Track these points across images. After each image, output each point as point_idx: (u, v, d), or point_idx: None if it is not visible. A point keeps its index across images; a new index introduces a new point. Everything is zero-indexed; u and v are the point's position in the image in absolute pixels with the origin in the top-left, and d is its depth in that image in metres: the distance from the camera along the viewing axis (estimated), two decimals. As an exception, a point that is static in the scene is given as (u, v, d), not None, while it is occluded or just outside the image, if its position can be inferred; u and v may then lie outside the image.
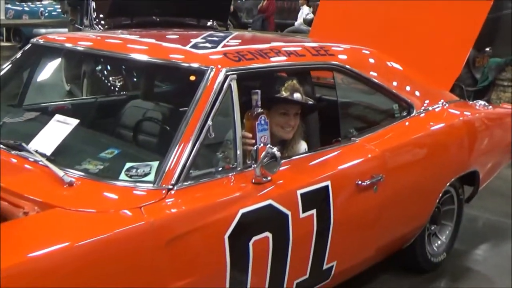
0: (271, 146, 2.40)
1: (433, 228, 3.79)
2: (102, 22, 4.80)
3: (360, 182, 2.84)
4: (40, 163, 2.29)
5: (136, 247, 2.01)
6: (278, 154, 2.36)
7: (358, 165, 2.95)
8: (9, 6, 11.99)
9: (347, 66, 3.20)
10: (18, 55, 3.35)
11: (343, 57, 3.27)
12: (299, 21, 13.79)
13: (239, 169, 2.45)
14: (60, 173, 2.18)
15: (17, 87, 3.33)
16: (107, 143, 2.63)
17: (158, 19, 4.26)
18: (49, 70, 3.47)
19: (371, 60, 3.45)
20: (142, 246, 2.02)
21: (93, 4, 5.05)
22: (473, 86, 6.92)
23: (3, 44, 7.95)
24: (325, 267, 2.80)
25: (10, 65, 3.32)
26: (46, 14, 13.82)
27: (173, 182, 2.20)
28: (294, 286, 2.68)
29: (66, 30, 10.48)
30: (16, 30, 12.02)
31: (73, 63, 3.69)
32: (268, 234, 2.43)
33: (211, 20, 4.78)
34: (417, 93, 3.58)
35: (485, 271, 3.97)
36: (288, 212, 2.50)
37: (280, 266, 2.54)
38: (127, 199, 2.16)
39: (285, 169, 2.50)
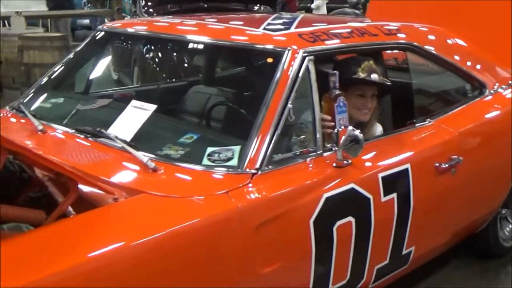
0: (353, 128, 2.36)
1: (504, 212, 3.74)
2: (151, 10, 4.84)
3: (438, 165, 2.82)
4: (122, 149, 2.30)
5: (225, 232, 2.01)
6: (361, 136, 2.34)
7: (436, 147, 2.92)
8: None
9: (421, 46, 3.18)
10: (87, 42, 3.40)
11: (415, 36, 3.23)
12: (316, 3, 13.39)
13: (319, 152, 2.43)
14: (144, 159, 2.20)
15: (84, 74, 3.38)
16: (185, 128, 2.63)
17: (205, 5, 4.23)
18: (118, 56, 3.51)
19: (443, 39, 3.41)
20: (231, 231, 2.02)
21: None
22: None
23: (54, 34, 8.03)
24: (404, 252, 2.80)
25: (80, 52, 3.37)
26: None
27: (257, 166, 2.19)
28: (375, 272, 2.67)
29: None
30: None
31: (139, 49, 3.72)
32: (351, 218, 2.42)
33: (258, 5, 4.73)
34: (487, 72, 3.52)
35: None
36: (370, 196, 2.49)
37: (362, 251, 2.54)
38: (212, 184, 2.16)
39: (364, 152, 2.46)
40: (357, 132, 2.34)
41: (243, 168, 2.19)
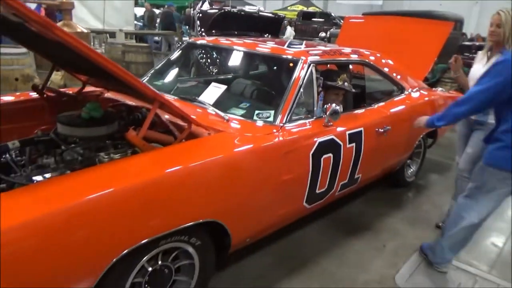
0: (336, 105, 2.47)
1: (408, 161, 3.84)
2: (204, 34, 4.80)
3: (377, 130, 2.91)
4: (209, 109, 2.40)
5: (270, 154, 2.13)
6: (340, 110, 2.46)
7: (377, 120, 2.97)
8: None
9: (371, 63, 3.22)
10: (180, 47, 3.40)
11: (369, 57, 3.25)
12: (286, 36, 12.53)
13: (315, 118, 2.52)
14: (222, 113, 2.32)
15: (177, 67, 3.37)
16: (241, 99, 2.67)
17: (236, 32, 4.20)
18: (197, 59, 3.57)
19: (383, 60, 3.43)
20: (272, 154, 2.15)
21: (198, 22, 4.99)
22: (426, 81, 6.89)
23: (142, 44, 8.05)
24: (356, 176, 2.88)
25: (173, 56, 3.36)
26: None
27: (283, 122, 2.32)
28: (340, 186, 2.76)
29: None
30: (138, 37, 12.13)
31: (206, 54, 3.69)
32: (330, 154, 2.52)
33: (267, 34, 4.72)
34: (405, 81, 3.53)
35: (430, 187, 4.06)
36: (341, 143, 2.58)
37: (335, 174, 2.62)
38: (261, 129, 2.25)
39: (339, 121, 2.55)
40: (338, 107, 2.46)
41: (276, 122, 2.31)
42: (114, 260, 1.59)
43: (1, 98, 2.58)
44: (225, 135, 2.12)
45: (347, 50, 3.16)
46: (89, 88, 2.80)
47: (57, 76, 6.12)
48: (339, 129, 2.60)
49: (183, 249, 1.92)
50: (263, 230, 2.34)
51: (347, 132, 2.65)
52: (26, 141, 2.17)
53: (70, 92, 2.76)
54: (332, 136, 2.53)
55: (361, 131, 2.77)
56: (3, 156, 2.06)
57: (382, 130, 2.95)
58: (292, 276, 2.47)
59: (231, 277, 2.41)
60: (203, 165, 1.83)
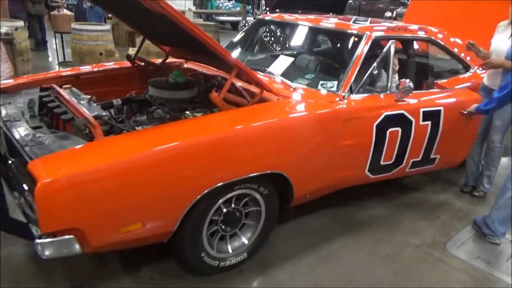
0: (409, 80, 2.54)
1: None
2: (268, 12, 4.91)
3: (462, 111, 2.86)
4: (277, 79, 2.59)
5: (329, 119, 2.31)
6: (412, 86, 2.53)
7: (458, 100, 2.90)
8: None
9: (437, 40, 3.17)
10: (251, 23, 3.63)
11: (437, 34, 3.20)
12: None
13: (388, 92, 2.61)
14: (289, 82, 2.54)
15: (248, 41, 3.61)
16: (307, 72, 2.82)
17: (299, 11, 4.13)
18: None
19: (451, 38, 3.32)
20: (332, 120, 2.32)
21: (263, 1, 5.10)
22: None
23: (209, 23, 8.41)
24: (432, 156, 2.88)
25: (248, 29, 3.58)
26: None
27: (346, 92, 2.46)
28: (411, 163, 2.79)
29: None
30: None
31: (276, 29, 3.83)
32: (399, 128, 2.58)
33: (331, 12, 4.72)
34: (469, 58, 3.38)
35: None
36: (413, 119, 2.62)
37: (403, 149, 2.66)
38: (325, 97, 2.42)
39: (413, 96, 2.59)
40: (411, 83, 2.51)
41: (338, 92, 2.46)
42: (198, 197, 1.92)
43: (104, 64, 3.06)
44: (290, 101, 2.33)
45: (413, 27, 3.15)
46: (170, 60, 3.16)
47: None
48: (411, 104, 2.62)
49: (252, 197, 2.22)
50: (323, 188, 2.55)
51: (422, 110, 2.67)
52: (125, 100, 2.58)
53: (156, 62, 3.15)
54: (403, 111, 2.57)
55: (439, 110, 2.77)
56: (107, 112, 2.47)
57: (465, 112, 2.89)
58: (346, 235, 2.70)
59: (291, 230, 2.70)
60: (267, 125, 2.07)
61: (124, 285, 2.09)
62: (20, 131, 2.04)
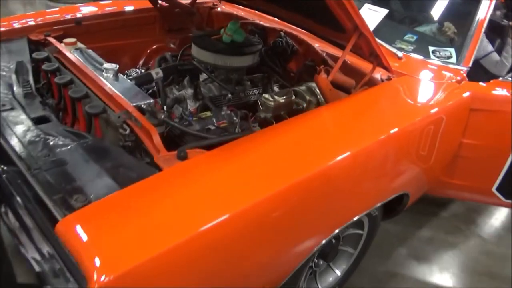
0: None
1: None
2: None
3: None
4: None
5: (458, 109, 1.72)
6: None
7: None
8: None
9: None
10: None
11: None
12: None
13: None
14: (393, 49, 1.87)
15: None
16: (404, 30, 2.12)
17: None
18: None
19: None
20: (459, 109, 1.72)
21: None
22: None
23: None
24: None
25: None
26: None
27: (469, 65, 1.84)
28: None
29: None
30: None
31: None
32: None
33: None
34: None
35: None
36: None
37: None
38: (446, 74, 1.81)
39: None
40: None
41: (461, 65, 1.84)
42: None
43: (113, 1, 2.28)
44: (413, 81, 1.73)
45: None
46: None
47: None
48: None
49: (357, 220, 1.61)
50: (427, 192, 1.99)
51: None
52: (167, 68, 1.80)
53: (184, 2, 2.29)
54: None
55: None
56: (150, 89, 1.73)
57: None
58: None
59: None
60: (407, 128, 1.48)
61: None
62: (19, 133, 1.27)
